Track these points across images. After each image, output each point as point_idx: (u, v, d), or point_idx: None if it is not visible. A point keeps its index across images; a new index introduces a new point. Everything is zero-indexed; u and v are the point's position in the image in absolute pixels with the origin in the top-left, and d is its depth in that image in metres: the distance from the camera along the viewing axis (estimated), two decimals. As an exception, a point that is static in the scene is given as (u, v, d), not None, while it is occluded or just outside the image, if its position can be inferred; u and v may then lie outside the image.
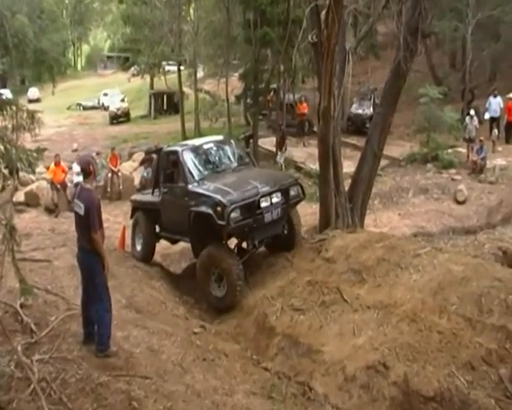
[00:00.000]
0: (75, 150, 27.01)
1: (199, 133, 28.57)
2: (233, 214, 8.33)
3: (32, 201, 16.49)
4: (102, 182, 17.76)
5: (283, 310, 7.58)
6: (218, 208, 8.38)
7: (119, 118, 39.83)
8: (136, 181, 18.52)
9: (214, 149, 10.24)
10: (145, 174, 17.89)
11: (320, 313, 7.25)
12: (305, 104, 26.19)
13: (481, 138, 18.24)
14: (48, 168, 16.57)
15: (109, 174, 17.95)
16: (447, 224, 14.67)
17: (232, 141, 11.40)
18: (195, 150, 9.98)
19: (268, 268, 9.10)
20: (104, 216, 6.13)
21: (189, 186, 9.21)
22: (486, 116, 20.86)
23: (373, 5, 13.53)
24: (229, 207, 8.29)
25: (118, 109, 40.08)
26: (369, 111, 24.27)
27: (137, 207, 11.24)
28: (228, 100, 28.09)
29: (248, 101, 27.30)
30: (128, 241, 11.35)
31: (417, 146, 20.39)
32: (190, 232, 9.21)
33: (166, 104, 41.50)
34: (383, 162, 16.37)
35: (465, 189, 16.52)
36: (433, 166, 18.98)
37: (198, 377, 5.97)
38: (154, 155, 18.38)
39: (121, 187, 17.90)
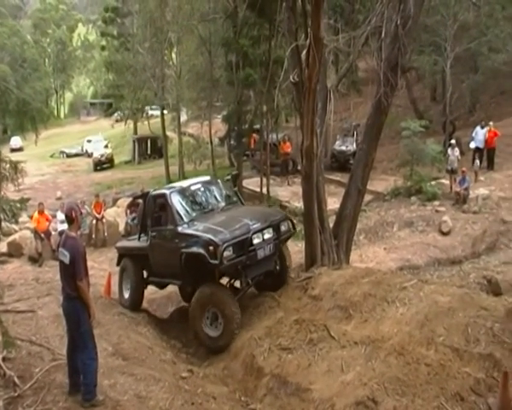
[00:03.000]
0: (59, 198, 26.96)
1: (183, 176, 28.66)
2: (226, 253, 8.30)
3: (15, 251, 16.35)
4: (87, 230, 17.69)
5: (271, 350, 7.52)
6: (211, 248, 8.33)
7: (103, 164, 40.01)
8: (121, 227, 18.49)
9: (202, 189, 10.26)
10: (129, 220, 17.89)
11: (308, 351, 7.20)
12: (288, 143, 26.45)
13: (463, 169, 18.54)
14: (31, 217, 16.51)
15: (94, 221, 17.91)
16: (433, 255, 14.75)
17: (219, 181, 11.45)
18: (183, 192, 9.97)
19: (255, 309, 9.06)
20: (89, 263, 6.13)
21: (179, 228, 9.16)
22: (472, 145, 21.23)
23: (353, 42, 13.84)
24: (222, 245, 8.26)
25: (101, 156, 40.31)
26: (353, 147, 24.56)
27: (124, 254, 11.12)
28: (211, 142, 28.33)
29: (232, 142, 27.54)
30: (114, 288, 11.25)
31: (401, 180, 20.60)
32: (181, 274, 9.12)
33: (150, 149, 41.79)
34: (368, 197, 16.57)
35: (449, 220, 16.68)
36: (417, 198, 19.16)
37: (187, 422, 5.89)
38: (140, 200, 18.57)
39: (106, 234, 17.87)
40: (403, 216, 17.84)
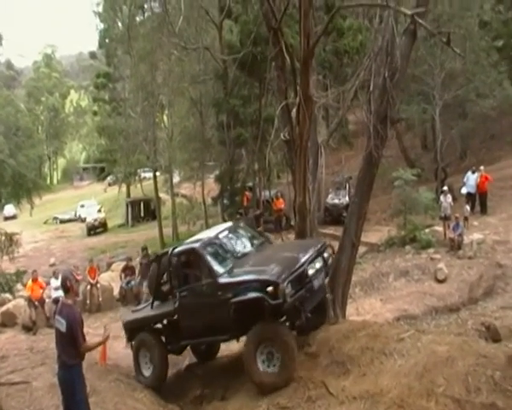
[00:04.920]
0: (52, 265, 26.85)
1: (177, 238, 28.75)
2: (287, 290, 7.84)
3: (8, 321, 16.06)
4: (81, 296, 17.51)
5: (269, 410, 7.39)
6: (269, 288, 7.85)
7: (97, 229, 40.08)
8: (116, 291, 18.32)
9: (229, 236, 9.76)
10: (124, 284, 17.77)
11: (307, 408, 7.08)
12: (281, 200, 26.63)
13: (457, 215, 18.67)
14: (25, 285, 16.36)
15: (88, 287, 17.77)
16: (429, 304, 14.67)
17: (242, 224, 11.10)
18: (212, 242, 9.45)
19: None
20: (84, 329, 6.07)
21: (220, 279, 8.65)
22: (463, 191, 21.48)
23: (342, 97, 14.14)
24: (282, 283, 7.82)
25: (95, 220, 40.43)
26: (345, 200, 24.75)
27: (137, 328, 10.20)
28: (205, 202, 28.52)
29: (225, 201, 27.71)
30: (109, 353, 10.98)
31: (395, 229, 20.68)
32: (228, 327, 8.52)
33: (143, 211, 42.01)
34: (362, 249, 16.57)
35: (445, 267, 16.67)
36: (411, 247, 19.18)
37: None
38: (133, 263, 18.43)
39: (100, 298, 17.69)
40: (398, 266, 17.82)
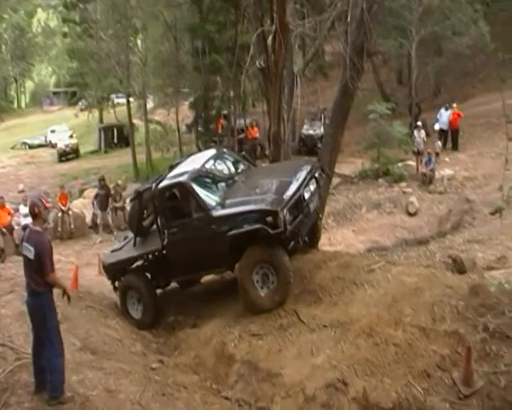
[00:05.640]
0: (21, 191, 26.19)
1: (151, 165, 28.47)
2: (288, 217, 7.66)
3: (-26, 248, 15.83)
4: (52, 223, 17.29)
5: (241, 337, 7.51)
6: (269, 218, 7.64)
7: (68, 155, 39.22)
8: (88, 219, 18.16)
9: (215, 164, 9.39)
10: (96, 212, 17.57)
11: (278, 336, 7.22)
12: (256, 128, 26.45)
13: (429, 150, 18.86)
14: (-9, 212, 16.00)
15: (59, 213, 17.54)
16: (400, 236, 15.02)
17: (225, 149, 10.69)
18: (199, 173, 8.97)
19: (224, 295, 9.02)
20: (55, 257, 5.99)
21: (213, 212, 8.30)
22: (436, 127, 21.61)
23: (319, 27, 13.76)
24: (281, 211, 7.60)
25: (66, 146, 39.47)
26: (320, 131, 24.69)
27: (121, 270, 9.71)
28: (179, 129, 28.14)
29: (199, 128, 27.38)
30: (81, 281, 10.92)
31: (368, 162, 20.84)
32: (224, 260, 8.31)
33: (117, 137, 41.08)
34: (336, 180, 16.66)
35: (416, 200, 16.97)
36: (384, 180, 19.43)
37: (158, 413, 5.86)
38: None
39: (72, 226, 17.51)
40: (371, 198, 18.07)
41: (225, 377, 7.15)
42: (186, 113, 30.07)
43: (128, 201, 17.76)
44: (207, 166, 9.21)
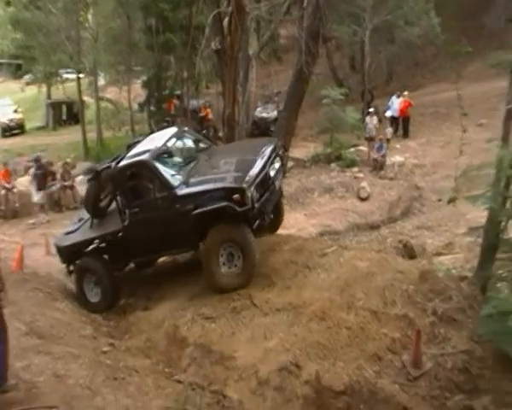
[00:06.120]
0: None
1: (101, 143, 27.78)
2: (254, 194, 7.62)
3: None
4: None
5: (194, 320, 7.45)
6: (235, 196, 7.56)
7: (13, 130, 37.59)
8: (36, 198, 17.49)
9: (177, 143, 9.28)
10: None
11: (231, 319, 7.20)
12: (209, 110, 26.18)
13: (381, 137, 19.20)
14: None
15: (2, 191, 16.84)
16: (352, 221, 15.24)
17: (186, 128, 10.47)
18: (162, 152, 8.82)
19: (177, 278, 8.93)
20: (-1, 237, 5.71)
21: (177, 191, 8.16)
22: (388, 114, 21.97)
23: (275, 10, 13.70)
24: (248, 188, 7.56)
25: (10, 121, 37.80)
26: (274, 114, 24.66)
27: (77, 252, 9.42)
28: (131, 108, 27.58)
29: (152, 108, 26.90)
30: (27, 262, 10.55)
31: (321, 146, 20.99)
32: (188, 239, 8.18)
33: (66, 114, 39.73)
34: (288, 164, 16.69)
35: (367, 186, 17.26)
36: (336, 165, 19.65)
37: (109, 398, 5.73)
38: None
39: (17, 204, 16.88)
40: (323, 182, 18.24)
41: (178, 361, 7.08)
42: (138, 91, 29.50)
43: (77, 179, 17.43)
44: (169, 144, 9.07)
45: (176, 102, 27.09)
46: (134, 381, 6.34)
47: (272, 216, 8.81)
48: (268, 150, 8.53)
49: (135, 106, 28.16)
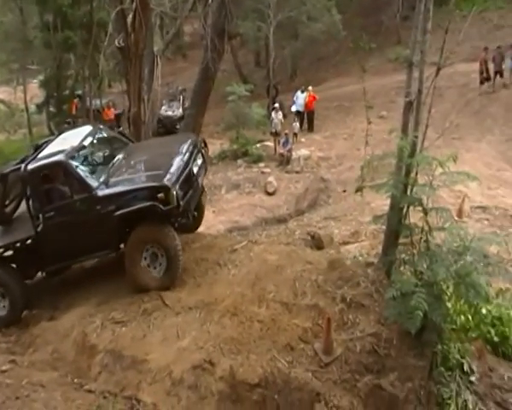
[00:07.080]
0: None
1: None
2: (179, 192, 7.45)
3: None
4: None
5: (104, 325, 7.18)
6: (160, 194, 7.37)
7: None
8: None
9: (94, 142, 8.84)
10: None
11: (142, 321, 7.04)
12: (112, 109, 25.42)
13: (286, 131, 19.57)
14: None
15: None
16: (260, 215, 15.42)
17: (102, 126, 10.08)
18: (78, 152, 8.33)
19: (84, 284, 8.55)
20: None
21: (97, 192, 7.78)
22: (293, 109, 22.39)
23: (180, 7, 13.56)
24: (173, 187, 7.40)
25: None
26: (179, 112, 24.46)
27: None
28: (27, 109, 26.18)
29: (52, 109, 25.68)
30: None
31: (227, 143, 21.06)
32: (109, 242, 7.91)
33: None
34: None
35: (274, 180, 17.54)
36: (243, 161, 19.79)
37: (12, 419, 5.40)
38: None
39: None
40: (230, 179, 18.31)
41: (88, 370, 6.81)
42: (35, 92, 28.08)
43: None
44: (86, 143, 8.64)
45: (77, 102, 26.07)
46: (40, 397, 6.05)
47: (195, 213, 8.75)
48: (188, 146, 8.45)
49: (32, 107, 26.78)
